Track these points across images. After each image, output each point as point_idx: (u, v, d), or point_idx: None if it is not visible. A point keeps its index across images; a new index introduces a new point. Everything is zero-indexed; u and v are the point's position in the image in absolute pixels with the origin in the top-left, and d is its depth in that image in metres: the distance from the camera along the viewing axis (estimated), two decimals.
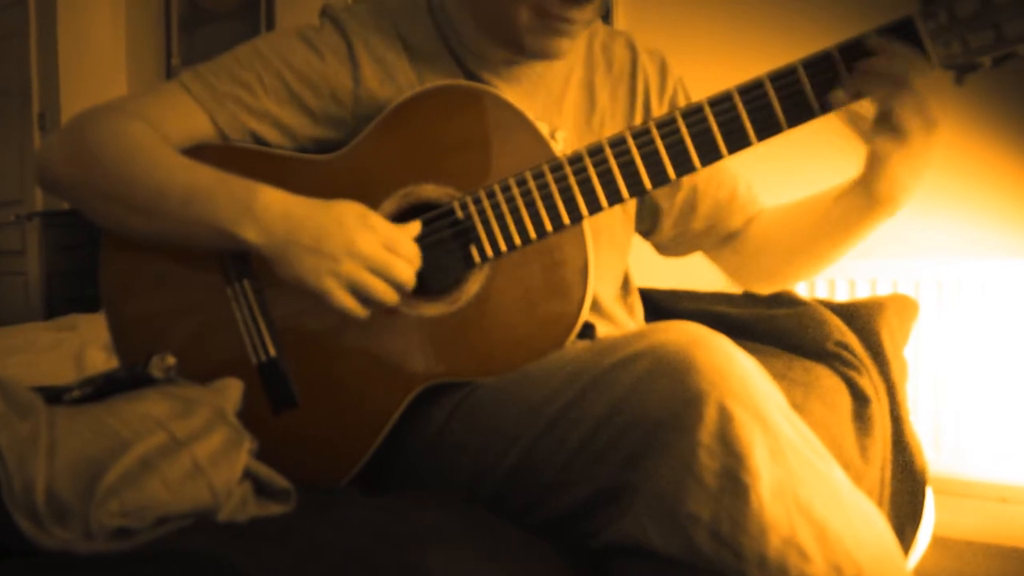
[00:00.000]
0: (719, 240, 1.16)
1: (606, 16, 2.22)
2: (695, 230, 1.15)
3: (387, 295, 0.86)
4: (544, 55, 0.95)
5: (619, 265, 1.10)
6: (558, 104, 1.02)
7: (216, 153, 0.95)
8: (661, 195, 1.11)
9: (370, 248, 0.84)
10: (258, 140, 0.97)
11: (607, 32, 1.09)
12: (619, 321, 1.06)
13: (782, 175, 1.49)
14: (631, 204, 1.08)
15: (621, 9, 2.27)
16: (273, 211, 0.86)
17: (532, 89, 1.01)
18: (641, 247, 1.17)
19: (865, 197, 0.90)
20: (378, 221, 0.86)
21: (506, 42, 0.95)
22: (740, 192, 1.13)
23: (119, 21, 3.46)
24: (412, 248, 0.87)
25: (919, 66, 0.80)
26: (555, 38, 0.92)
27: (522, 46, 0.94)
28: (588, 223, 0.91)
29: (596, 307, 1.01)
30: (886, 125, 0.82)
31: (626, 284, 1.13)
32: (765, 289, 1.28)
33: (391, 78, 0.97)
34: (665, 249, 1.21)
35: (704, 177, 1.10)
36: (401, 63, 0.98)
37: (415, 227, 0.89)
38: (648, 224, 1.15)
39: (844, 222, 0.97)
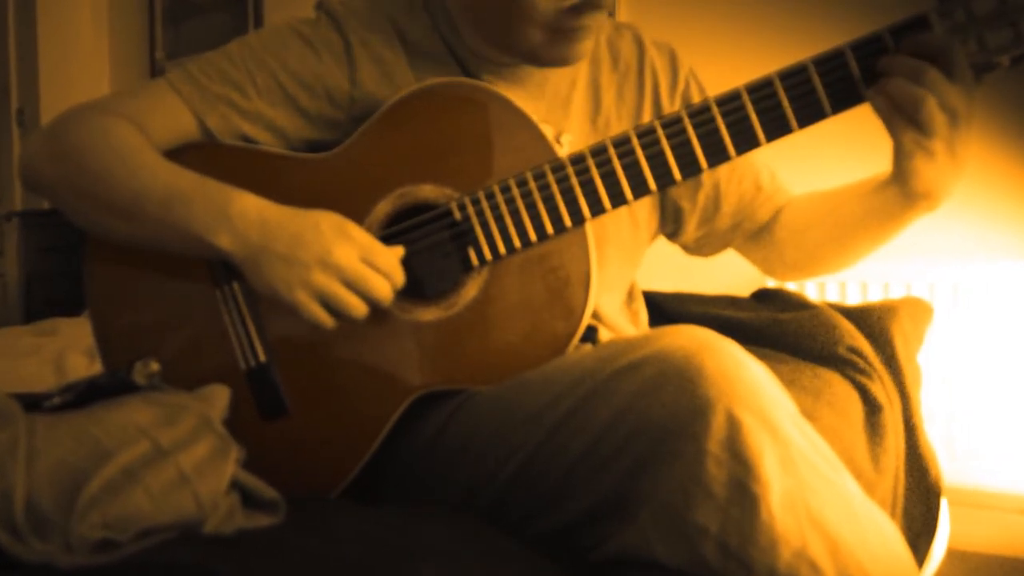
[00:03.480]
0: (748, 236, 1.15)
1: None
2: (722, 228, 1.13)
3: (358, 310, 0.85)
4: (566, 62, 0.94)
5: (626, 276, 1.10)
6: (564, 106, 1.02)
7: (207, 152, 0.95)
8: (682, 196, 1.10)
9: (346, 259, 0.84)
10: (250, 142, 0.96)
11: (612, 27, 1.09)
12: (622, 331, 1.05)
13: (802, 165, 1.49)
14: (642, 213, 1.07)
15: (624, 5, 2.28)
16: (248, 218, 0.86)
17: (536, 91, 1.01)
18: (648, 249, 1.17)
19: (902, 193, 0.88)
20: (357, 232, 0.86)
21: (522, 57, 0.95)
22: (765, 183, 1.12)
23: (101, 13, 3.45)
24: (391, 262, 0.86)
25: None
26: (574, 44, 0.91)
27: (540, 59, 0.93)
28: (592, 228, 0.90)
29: (598, 318, 1.01)
30: (909, 120, 0.81)
31: (630, 291, 1.13)
32: (795, 279, 1.26)
33: (388, 78, 0.97)
34: (693, 250, 1.19)
35: (725, 173, 1.09)
36: (399, 62, 0.98)
37: (398, 250, 0.88)
38: (672, 227, 1.14)
39: (882, 216, 0.95)
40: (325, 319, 0.85)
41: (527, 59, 0.95)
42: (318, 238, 0.84)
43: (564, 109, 1.02)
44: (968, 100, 0.80)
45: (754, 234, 1.14)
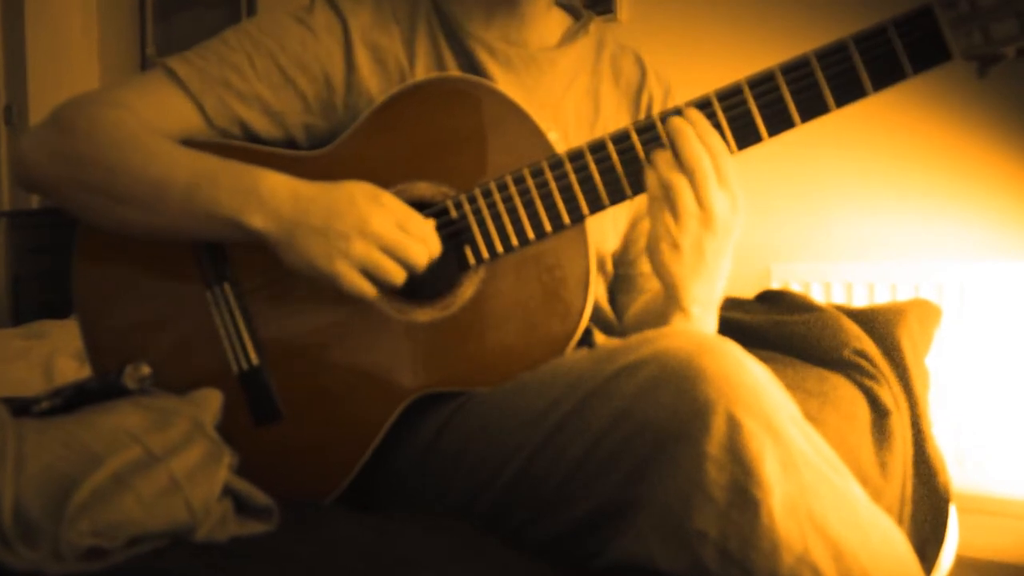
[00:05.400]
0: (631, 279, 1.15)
1: (609, 6, 2.23)
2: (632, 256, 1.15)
3: (398, 276, 0.86)
4: None
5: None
6: (556, 105, 1.03)
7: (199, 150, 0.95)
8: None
9: (383, 227, 0.85)
10: (245, 128, 0.97)
11: (617, 45, 1.12)
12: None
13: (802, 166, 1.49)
14: (620, 213, 1.08)
15: (624, 5, 2.28)
16: (280, 194, 0.86)
17: (532, 83, 1.02)
18: None
19: (662, 290, 0.92)
20: (390, 199, 0.87)
21: None
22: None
23: (91, 7, 3.46)
24: (426, 228, 0.87)
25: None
26: None
27: None
28: (590, 224, 0.91)
29: (595, 315, 1.02)
30: (668, 203, 0.84)
31: None
32: None
33: (383, 66, 0.98)
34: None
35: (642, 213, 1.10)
36: (394, 48, 0.99)
37: (431, 220, 0.89)
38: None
39: (654, 320, 0.96)
40: (368, 289, 0.86)
41: None
42: (353, 208, 0.85)
43: (555, 108, 1.03)
44: (730, 208, 0.83)
45: (629, 280, 1.15)
